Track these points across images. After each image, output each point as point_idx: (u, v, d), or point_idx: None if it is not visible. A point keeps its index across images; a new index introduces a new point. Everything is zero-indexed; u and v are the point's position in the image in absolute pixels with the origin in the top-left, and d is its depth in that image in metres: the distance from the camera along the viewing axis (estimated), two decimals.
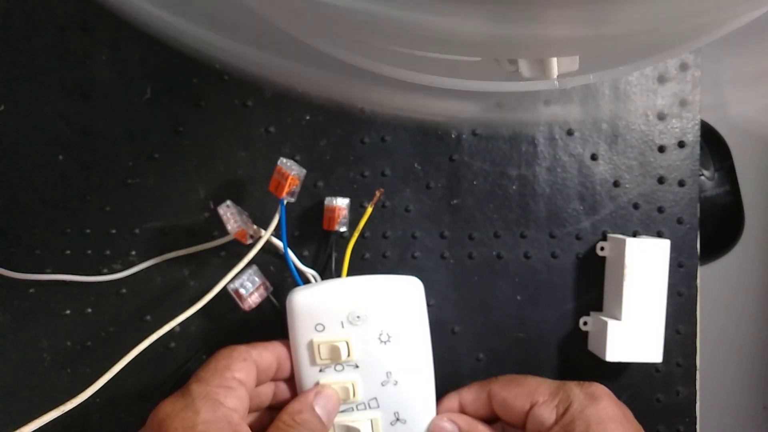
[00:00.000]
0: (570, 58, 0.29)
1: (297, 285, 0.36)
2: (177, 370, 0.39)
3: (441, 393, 0.37)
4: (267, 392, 0.35)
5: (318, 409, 0.33)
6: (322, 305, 0.35)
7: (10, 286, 0.39)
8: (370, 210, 0.38)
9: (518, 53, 0.27)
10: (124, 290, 0.39)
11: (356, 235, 0.38)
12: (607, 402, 0.33)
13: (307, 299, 0.35)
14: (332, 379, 0.35)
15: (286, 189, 0.35)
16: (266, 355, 0.34)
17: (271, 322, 0.39)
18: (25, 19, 0.39)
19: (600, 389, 0.34)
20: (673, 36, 0.28)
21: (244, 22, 0.37)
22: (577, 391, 0.34)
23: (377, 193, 0.38)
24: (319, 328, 0.34)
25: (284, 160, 0.36)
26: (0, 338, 0.39)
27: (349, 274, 0.38)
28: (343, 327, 0.34)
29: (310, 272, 0.38)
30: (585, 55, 0.29)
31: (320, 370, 0.35)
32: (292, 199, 0.37)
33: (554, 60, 0.28)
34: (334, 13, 0.23)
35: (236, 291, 0.36)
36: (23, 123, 0.39)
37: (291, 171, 0.35)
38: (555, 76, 0.28)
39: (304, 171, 0.36)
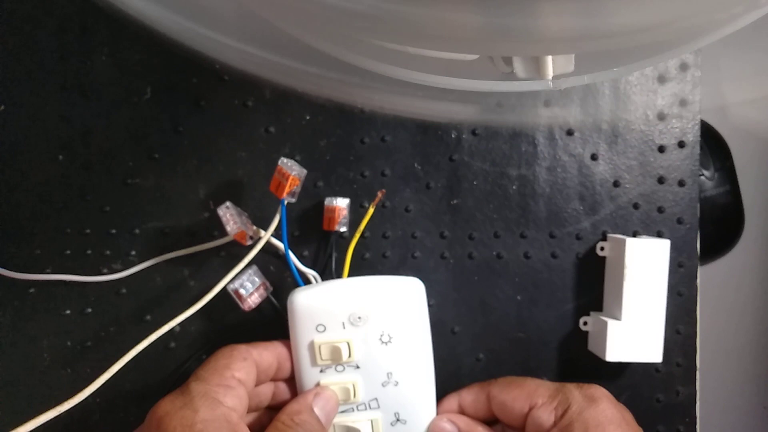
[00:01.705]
0: (565, 59, 0.28)
1: (297, 285, 0.36)
2: (177, 370, 0.39)
3: (441, 393, 0.37)
4: (266, 392, 0.35)
5: (317, 410, 0.33)
6: (323, 306, 0.35)
7: (10, 286, 0.39)
8: (371, 210, 0.38)
9: (513, 50, 0.27)
10: (124, 290, 0.39)
11: (357, 235, 0.38)
12: (606, 404, 0.33)
13: (309, 300, 0.35)
14: (333, 380, 0.35)
15: (287, 189, 0.35)
16: (266, 354, 0.34)
17: (271, 323, 0.39)
18: (25, 19, 0.39)
19: (599, 391, 0.34)
20: (670, 36, 0.28)
21: (243, 22, 0.37)
22: (575, 392, 0.34)
23: (379, 194, 0.38)
24: (320, 328, 0.34)
25: (285, 160, 0.36)
26: (0, 338, 0.39)
27: (349, 274, 0.38)
28: (344, 328, 0.34)
29: (310, 273, 0.38)
30: (580, 53, 0.29)
31: (321, 371, 0.35)
32: (293, 200, 0.36)
33: (549, 60, 0.28)
34: (326, 11, 0.23)
35: (236, 291, 0.36)
36: (23, 123, 0.39)
37: (292, 171, 0.35)
38: (550, 77, 0.28)
39: (304, 171, 0.36)
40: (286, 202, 0.36)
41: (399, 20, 0.22)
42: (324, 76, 0.38)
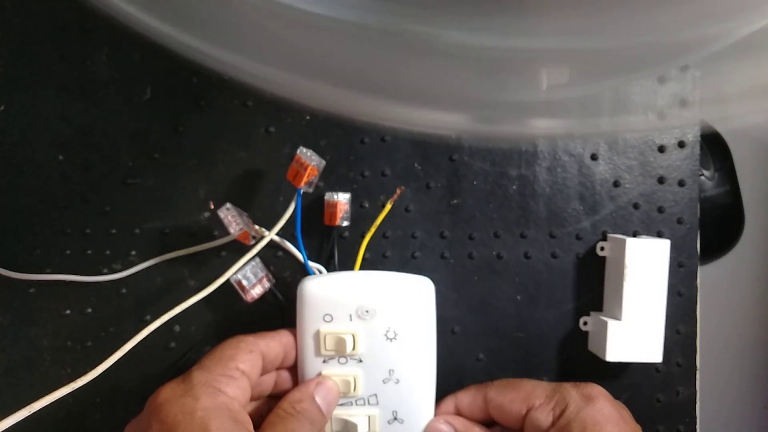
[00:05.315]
0: (559, 71, 0.29)
1: (300, 278, 0.36)
2: (177, 361, 0.39)
3: (441, 393, 0.37)
4: (269, 381, 0.35)
5: (318, 399, 0.33)
6: (332, 296, 0.35)
7: (10, 286, 0.39)
8: (389, 207, 0.38)
9: (509, 64, 0.27)
10: (124, 290, 0.39)
11: (373, 230, 0.38)
12: (603, 402, 0.33)
13: (318, 289, 0.35)
14: (335, 371, 0.35)
15: (305, 179, 0.35)
16: (274, 345, 0.34)
17: (272, 315, 0.39)
18: (25, 19, 0.39)
19: (596, 390, 0.34)
20: (662, 51, 0.28)
21: (247, 35, 0.37)
22: (573, 392, 0.34)
23: (398, 191, 0.39)
24: (327, 318, 0.35)
25: (304, 150, 0.36)
26: (0, 338, 0.39)
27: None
28: (351, 320, 0.35)
29: (315, 266, 0.38)
30: (575, 67, 0.29)
31: (324, 361, 0.35)
32: (310, 189, 0.37)
33: (543, 72, 0.28)
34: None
35: (239, 282, 0.36)
36: (23, 123, 0.39)
37: (311, 161, 0.35)
38: (544, 88, 0.28)
39: (323, 162, 0.36)
40: (302, 192, 0.36)
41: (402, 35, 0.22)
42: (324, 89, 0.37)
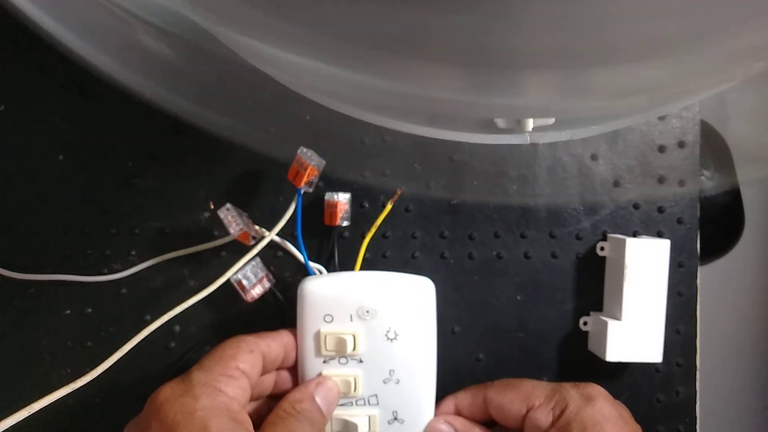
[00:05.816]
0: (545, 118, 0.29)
1: (300, 278, 0.36)
2: (178, 361, 0.39)
3: (441, 393, 0.37)
4: (269, 381, 0.35)
5: (318, 400, 0.33)
6: (333, 296, 0.35)
7: (10, 286, 0.39)
8: (389, 207, 0.38)
9: (496, 115, 0.28)
10: (124, 290, 0.39)
11: (373, 230, 0.38)
12: (603, 402, 0.33)
13: (319, 289, 0.35)
14: (335, 372, 0.35)
15: (305, 179, 0.35)
16: (274, 345, 0.34)
17: (272, 315, 0.39)
18: (25, 19, 0.39)
19: (596, 390, 0.34)
20: (648, 102, 0.28)
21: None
22: (573, 392, 0.34)
23: (398, 191, 0.39)
24: (328, 318, 0.35)
25: (304, 150, 0.36)
26: (0, 338, 0.39)
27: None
28: (351, 320, 0.35)
29: (315, 266, 0.38)
30: (561, 117, 0.29)
31: (324, 362, 0.35)
32: (310, 189, 0.37)
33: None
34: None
35: (239, 282, 0.36)
36: (23, 123, 0.39)
37: (311, 161, 0.35)
38: (529, 129, 0.29)
39: (323, 162, 0.36)
40: (302, 192, 0.36)
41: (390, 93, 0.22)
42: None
